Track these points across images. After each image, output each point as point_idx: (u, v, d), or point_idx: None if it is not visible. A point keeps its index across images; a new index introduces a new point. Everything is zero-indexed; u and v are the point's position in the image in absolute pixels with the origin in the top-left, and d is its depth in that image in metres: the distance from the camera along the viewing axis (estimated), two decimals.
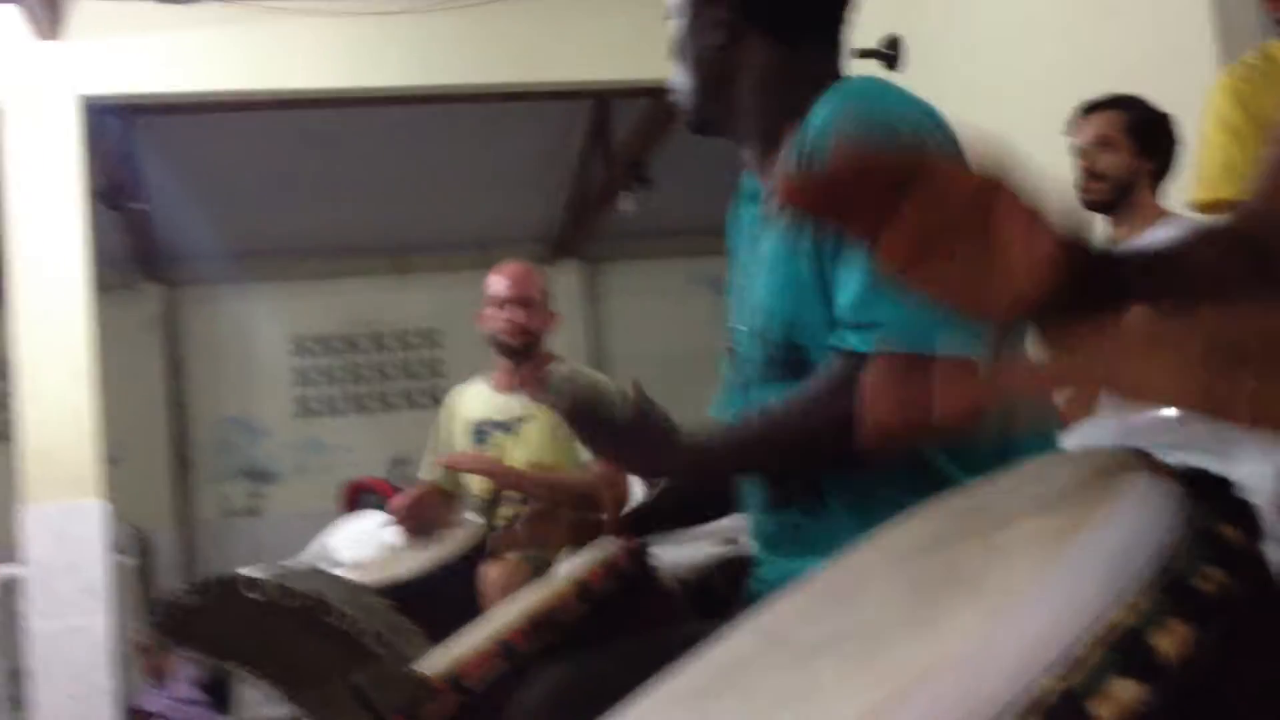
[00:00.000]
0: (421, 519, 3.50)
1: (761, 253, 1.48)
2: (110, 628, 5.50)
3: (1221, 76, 2.69)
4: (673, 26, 1.58)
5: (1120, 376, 0.62)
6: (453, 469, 3.46)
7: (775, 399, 1.41)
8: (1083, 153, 3.03)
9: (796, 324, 1.39)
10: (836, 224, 0.81)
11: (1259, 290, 0.79)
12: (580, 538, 1.69)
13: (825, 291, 1.35)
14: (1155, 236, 2.97)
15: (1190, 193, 2.75)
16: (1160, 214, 3.04)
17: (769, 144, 1.51)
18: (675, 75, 1.60)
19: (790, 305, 1.39)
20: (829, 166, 0.77)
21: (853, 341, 1.28)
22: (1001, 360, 0.69)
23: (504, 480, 3.38)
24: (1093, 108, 3.07)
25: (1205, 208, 2.66)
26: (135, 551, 7.82)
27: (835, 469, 1.38)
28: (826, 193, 0.75)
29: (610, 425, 1.37)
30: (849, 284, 1.31)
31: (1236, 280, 0.81)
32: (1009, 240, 0.70)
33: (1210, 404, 0.60)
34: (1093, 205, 3.04)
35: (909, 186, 0.72)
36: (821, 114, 1.39)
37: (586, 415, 1.39)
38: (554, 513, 1.75)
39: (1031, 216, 0.70)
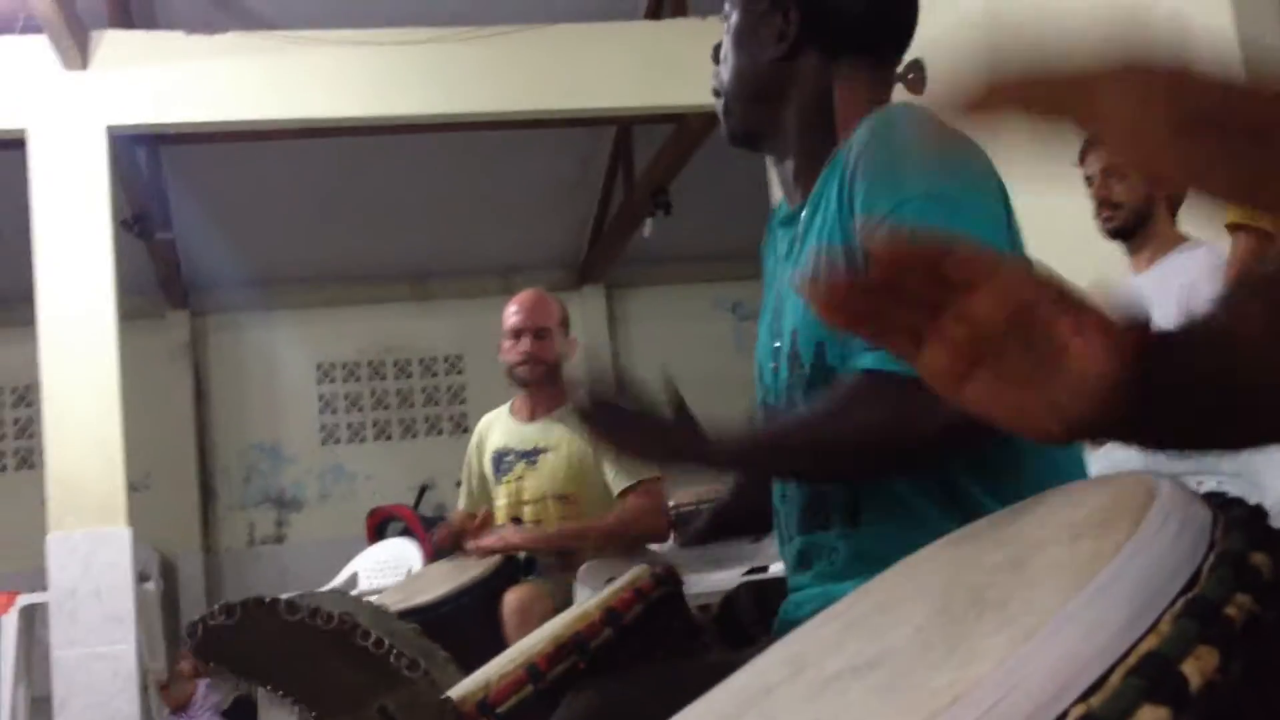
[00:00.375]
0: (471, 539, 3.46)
1: (795, 275, 1.48)
2: (135, 655, 5.51)
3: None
4: (730, 24, 1.56)
5: (1088, 110, 0.59)
6: (479, 553, 3.39)
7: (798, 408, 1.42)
8: (1095, 183, 3.02)
9: (830, 345, 1.39)
10: (872, 337, 0.71)
11: None
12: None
13: None
14: (1175, 262, 2.96)
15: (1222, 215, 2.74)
16: (1179, 240, 3.03)
17: (808, 164, 1.50)
18: (719, 79, 1.58)
19: (822, 326, 1.39)
20: (865, 272, 0.67)
21: (867, 361, 1.29)
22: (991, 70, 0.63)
23: (527, 544, 3.38)
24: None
25: (1233, 229, 2.65)
26: (160, 578, 7.84)
27: (853, 480, 1.38)
28: (861, 302, 0.68)
29: (635, 419, 1.37)
30: None
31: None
32: (1069, 352, 0.63)
33: (1185, 171, 0.58)
34: (1112, 233, 3.04)
35: (953, 289, 0.65)
36: (857, 142, 1.38)
37: (609, 411, 1.38)
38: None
39: (1094, 322, 0.63)
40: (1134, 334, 0.64)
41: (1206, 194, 0.61)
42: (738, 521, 1.77)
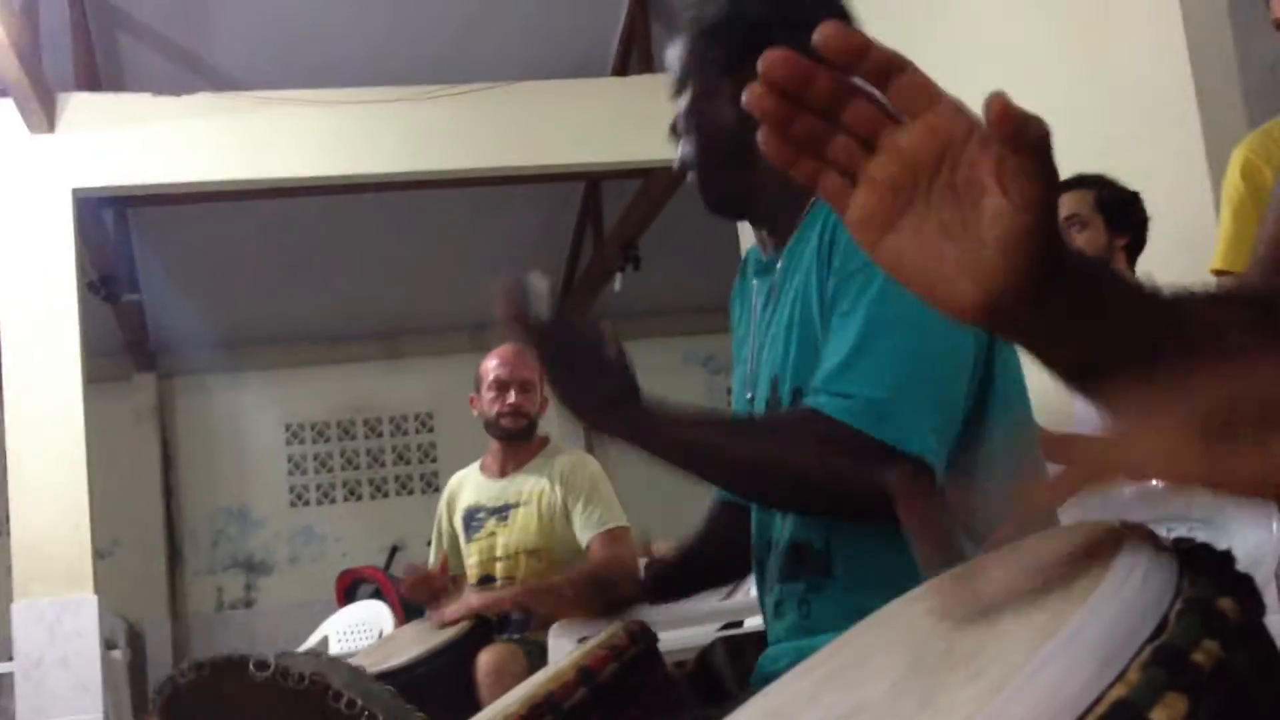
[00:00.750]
0: (433, 592, 3.43)
1: (774, 323, 1.48)
2: None
3: (1238, 146, 2.71)
4: (681, 102, 1.54)
5: (1120, 462, 0.60)
6: (444, 624, 3.37)
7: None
8: None
9: (805, 391, 1.40)
10: (806, 172, 0.69)
11: (1259, 347, 0.76)
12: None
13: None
14: None
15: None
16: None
17: (784, 215, 1.50)
18: (685, 154, 1.55)
19: (803, 374, 1.40)
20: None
21: (826, 404, 1.30)
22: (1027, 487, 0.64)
23: (494, 608, 3.36)
24: (1061, 187, 3.07)
25: (1217, 274, 2.67)
26: (127, 646, 7.73)
27: (757, 501, 1.43)
28: (805, 112, 0.66)
29: (574, 353, 1.37)
30: (836, 350, 1.32)
31: (1237, 335, 0.76)
32: (990, 193, 0.63)
33: (1210, 476, 0.59)
34: None
35: (889, 119, 0.65)
36: None
37: (556, 343, 1.39)
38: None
39: (1016, 166, 0.63)
40: (1052, 187, 0.64)
41: (1257, 492, 0.62)
42: (706, 569, 1.76)
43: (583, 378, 1.39)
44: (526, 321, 1.37)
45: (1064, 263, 0.67)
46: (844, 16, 1.53)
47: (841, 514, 1.35)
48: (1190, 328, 0.74)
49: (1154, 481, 0.61)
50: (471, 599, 3.40)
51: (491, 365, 3.66)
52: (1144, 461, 0.59)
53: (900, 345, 1.29)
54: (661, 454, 1.41)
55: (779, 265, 1.50)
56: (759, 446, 1.34)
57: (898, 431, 1.26)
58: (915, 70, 0.65)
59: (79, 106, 6.01)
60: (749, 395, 1.52)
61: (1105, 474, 0.60)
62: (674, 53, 1.56)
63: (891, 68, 0.64)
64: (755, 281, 1.58)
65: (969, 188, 0.64)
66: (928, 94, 0.65)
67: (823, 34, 0.64)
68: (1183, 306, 0.77)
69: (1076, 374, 0.73)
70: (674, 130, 1.57)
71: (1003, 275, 0.64)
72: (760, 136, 0.67)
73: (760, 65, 0.65)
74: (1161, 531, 0.66)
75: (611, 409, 1.40)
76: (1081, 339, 0.71)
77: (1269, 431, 0.57)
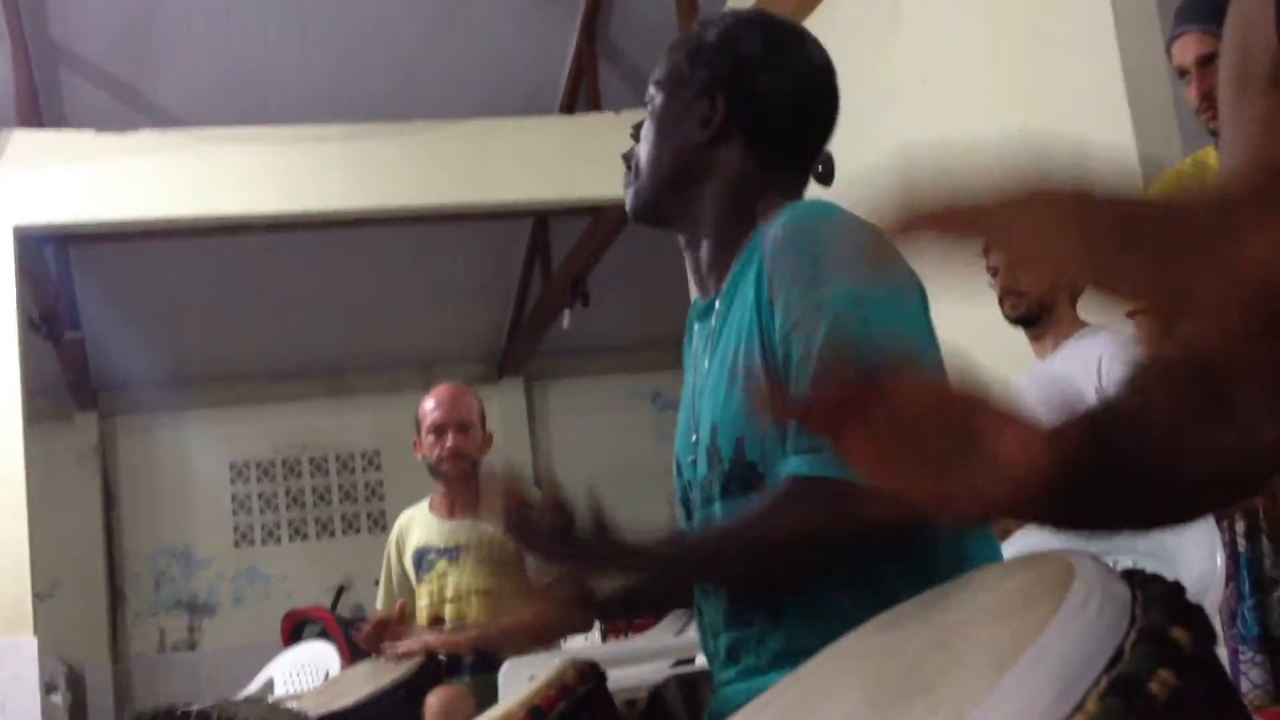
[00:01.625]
0: (389, 639, 3.39)
1: (712, 370, 1.48)
2: None
3: (1170, 170, 2.76)
4: (655, 106, 1.56)
5: (993, 222, 0.61)
6: (395, 659, 3.34)
7: (725, 513, 1.42)
8: (1003, 271, 3.07)
9: (749, 440, 1.39)
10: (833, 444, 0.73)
11: (1210, 423, 0.77)
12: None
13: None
14: (1080, 345, 3.03)
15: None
16: (1080, 325, 3.10)
17: (722, 252, 1.51)
18: (635, 156, 1.58)
19: (741, 420, 1.40)
20: (816, 393, 0.72)
21: (799, 465, 1.29)
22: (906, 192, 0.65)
23: (447, 647, 3.33)
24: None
25: (1134, 314, 2.72)
26: (67, 690, 7.58)
27: (781, 584, 1.37)
28: (814, 415, 0.71)
29: (554, 527, 1.35)
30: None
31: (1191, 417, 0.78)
32: (991, 446, 0.65)
33: (1093, 278, 0.60)
34: (1016, 320, 3.11)
35: (881, 390, 0.68)
36: (773, 236, 1.39)
37: (528, 518, 1.37)
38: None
39: (1015, 423, 0.65)
40: (1066, 431, 0.65)
41: (1114, 296, 0.64)
42: (652, 594, 1.75)
43: (567, 554, 1.37)
44: (507, 519, 1.36)
45: (1072, 478, 0.67)
46: (828, 70, 1.56)
47: (856, 561, 1.33)
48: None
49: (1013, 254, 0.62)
50: (426, 637, 3.37)
51: (428, 408, 3.61)
52: (1022, 242, 0.61)
53: None
54: (678, 583, 1.41)
55: (716, 308, 1.50)
56: (755, 539, 1.32)
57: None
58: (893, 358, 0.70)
59: (21, 143, 5.94)
60: (693, 438, 1.51)
61: (974, 221, 0.62)
62: (663, 58, 1.59)
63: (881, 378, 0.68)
64: (697, 326, 1.59)
65: (966, 434, 0.66)
66: (908, 365, 0.69)
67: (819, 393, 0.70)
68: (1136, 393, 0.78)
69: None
70: (634, 134, 1.60)
71: (1008, 504, 0.66)
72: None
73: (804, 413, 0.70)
74: (1110, 562, 0.66)
75: (603, 570, 1.41)
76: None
77: (1143, 246, 0.59)
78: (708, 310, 1.54)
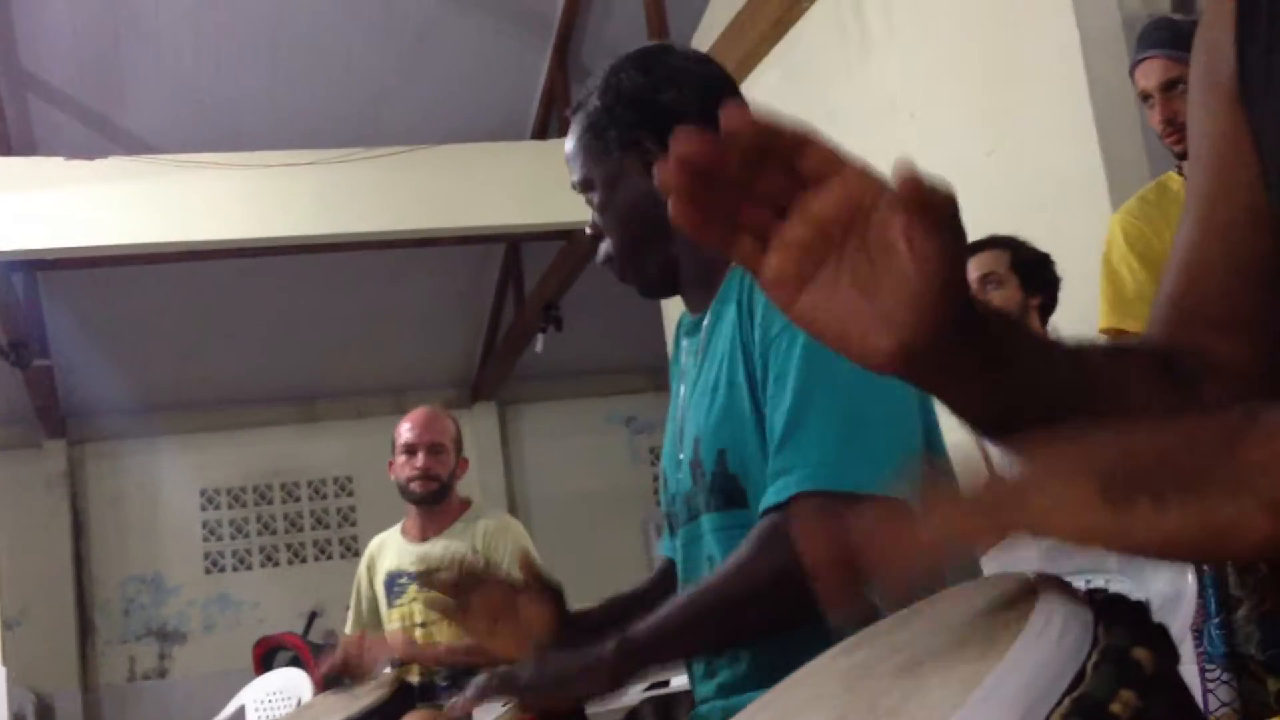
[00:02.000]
0: (359, 669, 3.38)
1: (699, 384, 1.49)
2: None
3: (1116, 214, 2.80)
4: (595, 195, 1.54)
5: (1024, 518, 0.61)
6: (367, 661, 3.34)
7: (707, 535, 1.43)
8: (975, 290, 3.09)
9: (731, 452, 1.40)
10: (721, 240, 0.70)
11: (1160, 405, 0.78)
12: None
13: (760, 423, 1.37)
14: None
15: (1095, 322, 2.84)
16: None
17: (705, 276, 1.52)
18: (609, 247, 1.56)
19: (725, 434, 1.41)
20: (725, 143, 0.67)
21: (770, 496, 1.30)
22: (930, 500, 0.65)
23: (419, 658, 3.33)
24: (977, 247, 3.14)
25: (1106, 334, 2.75)
26: (36, 718, 7.50)
27: (775, 626, 1.35)
28: (715, 186, 0.68)
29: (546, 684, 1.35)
30: (773, 428, 1.33)
31: (1142, 391, 0.79)
32: (901, 252, 0.65)
33: (1109, 536, 0.60)
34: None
35: (799, 184, 0.66)
36: None
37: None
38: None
39: (927, 224, 0.65)
40: (958, 246, 0.65)
41: (1151, 552, 0.64)
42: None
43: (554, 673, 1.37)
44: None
45: (973, 316, 0.70)
46: (709, 63, 1.57)
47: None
48: (1095, 381, 0.77)
49: (1053, 538, 0.62)
50: (403, 643, 3.36)
51: (403, 429, 3.62)
52: (1045, 515, 0.61)
53: (838, 398, 1.30)
54: (671, 660, 1.41)
55: (704, 324, 1.52)
56: (745, 588, 1.31)
57: (858, 478, 1.26)
58: (822, 140, 0.67)
59: None
60: (679, 456, 1.52)
61: (1006, 524, 0.62)
62: (570, 152, 1.57)
63: (798, 141, 0.66)
64: (685, 341, 1.60)
65: (879, 247, 0.66)
66: (836, 160, 0.66)
67: (727, 116, 0.65)
68: (1087, 359, 0.81)
69: (986, 423, 0.76)
70: (593, 232, 1.58)
71: (913, 327, 0.66)
72: (671, 208, 0.68)
73: (672, 144, 0.66)
74: (1079, 581, 0.67)
75: (595, 678, 1.36)
76: (990, 388, 0.74)
77: (1167, 493, 0.59)
78: (695, 326, 1.55)
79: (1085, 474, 0.60)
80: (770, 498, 1.30)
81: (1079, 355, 0.80)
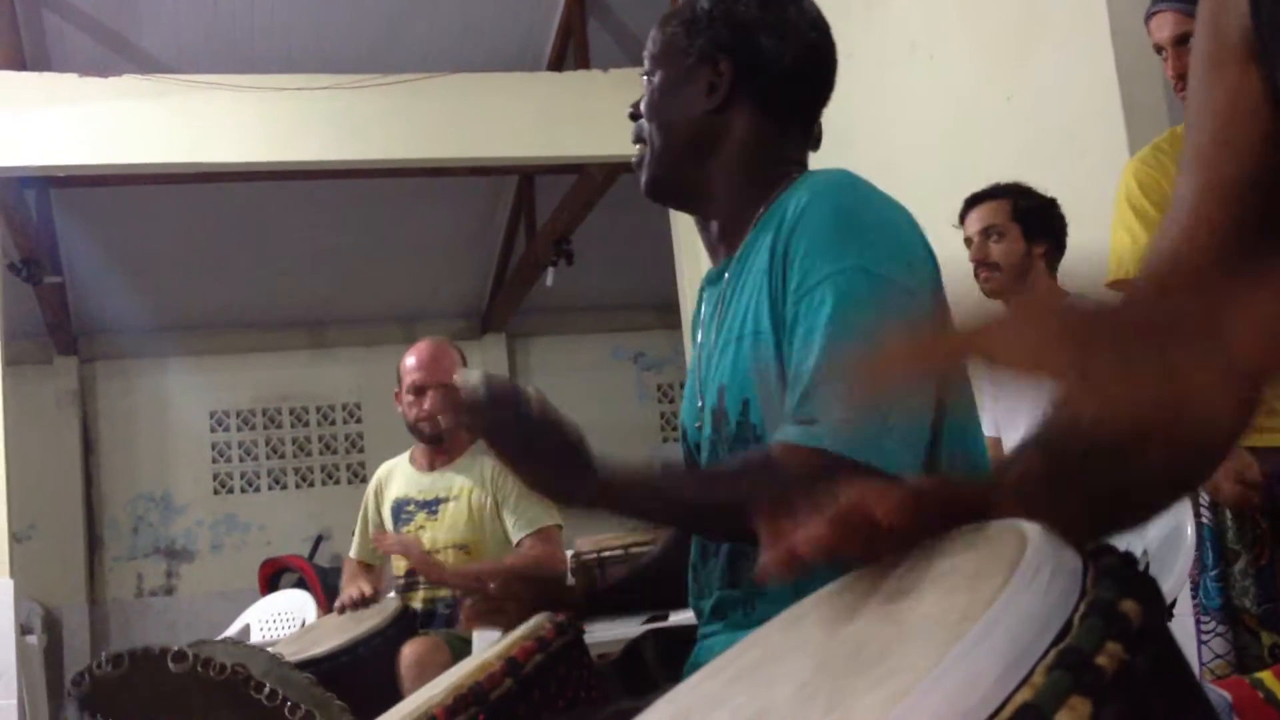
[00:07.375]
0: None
1: (722, 333, 1.48)
2: (17, 710, 5.32)
3: (1129, 162, 2.77)
4: (655, 81, 1.55)
5: (984, 345, 0.63)
6: (380, 548, 3.45)
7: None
8: (973, 244, 3.07)
9: (752, 401, 1.40)
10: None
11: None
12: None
13: (783, 374, 1.37)
14: None
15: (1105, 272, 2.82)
16: (1060, 295, 3.10)
17: (736, 220, 1.51)
18: (644, 134, 1.56)
19: (747, 382, 1.41)
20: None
21: (793, 434, 1.30)
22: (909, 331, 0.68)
23: (425, 570, 3.36)
24: (977, 199, 3.10)
25: (1114, 286, 2.73)
26: (43, 631, 7.60)
27: (741, 543, 1.38)
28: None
29: (526, 436, 1.37)
30: (799, 376, 1.33)
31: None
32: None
33: (1066, 380, 0.63)
34: (990, 294, 3.10)
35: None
36: (795, 203, 1.39)
37: (501, 423, 1.38)
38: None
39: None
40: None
41: (1101, 405, 0.66)
42: (651, 593, 1.75)
43: (542, 462, 1.38)
44: (479, 420, 1.36)
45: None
46: (824, 26, 1.56)
47: None
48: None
49: (1008, 369, 0.65)
50: (410, 547, 3.41)
51: (409, 366, 3.60)
52: (1005, 347, 0.63)
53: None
54: (638, 516, 1.43)
55: (726, 276, 1.51)
56: (735, 490, 1.31)
57: (869, 448, 1.26)
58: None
59: (3, 85, 5.88)
60: (699, 404, 1.52)
61: (967, 348, 0.64)
62: (655, 33, 1.57)
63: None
64: (706, 292, 1.59)
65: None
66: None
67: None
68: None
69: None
70: (635, 112, 1.58)
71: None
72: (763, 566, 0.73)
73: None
74: None
75: (575, 485, 1.38)
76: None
77: (1133, 350, 0.61)
78: (718, 277, 1.54)
79: (1053, 318, 0.62)
80: (796, 436, 1.29)
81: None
